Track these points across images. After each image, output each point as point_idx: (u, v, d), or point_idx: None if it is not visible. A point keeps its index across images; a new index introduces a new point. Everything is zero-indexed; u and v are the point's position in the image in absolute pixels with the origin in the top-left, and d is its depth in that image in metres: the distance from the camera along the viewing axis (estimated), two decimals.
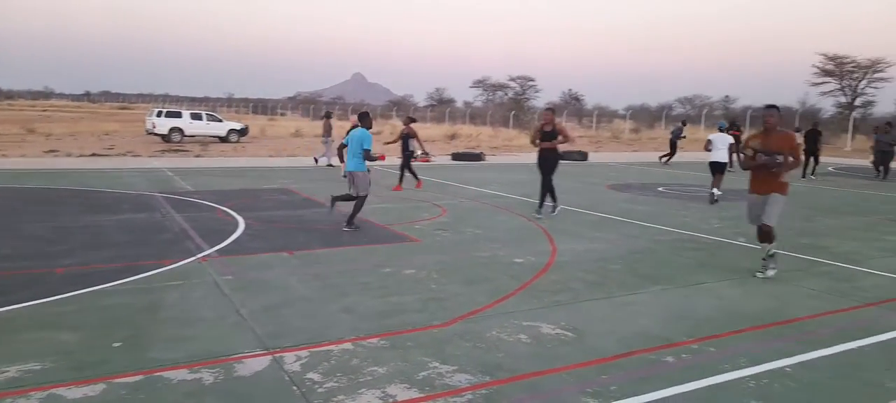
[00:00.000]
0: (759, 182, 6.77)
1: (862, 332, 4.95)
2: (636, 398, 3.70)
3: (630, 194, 13.72)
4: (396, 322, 4.93)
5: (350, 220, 8.62)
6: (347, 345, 4.40)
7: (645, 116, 59.44)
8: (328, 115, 19.58)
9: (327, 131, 18.68)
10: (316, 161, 19.00)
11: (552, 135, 10.10)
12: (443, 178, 15.35)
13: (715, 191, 12.73)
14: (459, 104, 74.21)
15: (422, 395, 3.68)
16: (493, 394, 3.71)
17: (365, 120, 8.87)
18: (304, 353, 4.23)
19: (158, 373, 3.85)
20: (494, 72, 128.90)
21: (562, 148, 10.44)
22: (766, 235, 6.69)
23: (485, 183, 15.12)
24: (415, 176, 13.72)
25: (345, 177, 9.47)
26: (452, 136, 36.70)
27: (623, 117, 57.80)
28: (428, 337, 4.62)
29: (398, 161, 14.04)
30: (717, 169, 12.93)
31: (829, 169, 23.45)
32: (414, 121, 14.74)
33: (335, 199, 9.04)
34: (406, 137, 13.79)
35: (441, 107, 68.69)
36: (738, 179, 17.63)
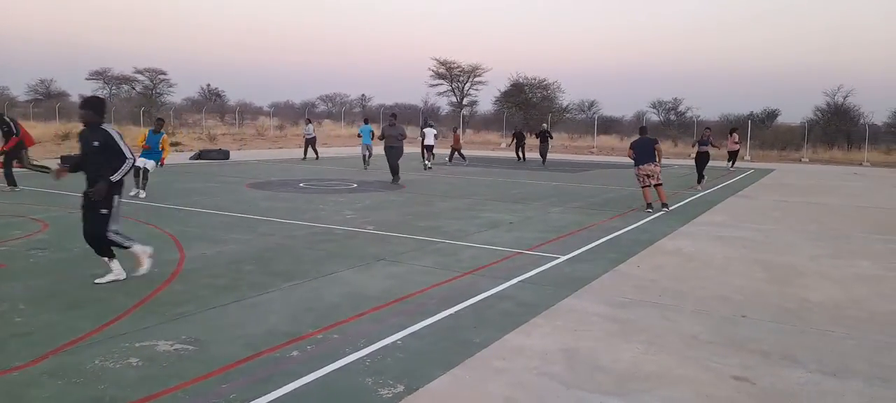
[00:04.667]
0: None
1: (459, 298, 5.76)
2: (257, 400, 3.60)
3: (270, 192, 13.64)
4: None
5: None
6: None
7: (290, 113, 60.25)
8: None
9: None
10: None
11: None
12: (45, 187, 12.95)
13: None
14: (75, 98, 63.90)
15: None
16: None
17: None
18: None
19: None
20: (117, 62, 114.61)
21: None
22: None
23: None
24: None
25: None
26: (65, 136, 31.43)
27: (268, 114, 57.54)
28: (3, 384, 3.75)
29: None
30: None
31: (444, 160, 27.21)
32: None
33: None
34: None
35: (49, 101, 58.16)
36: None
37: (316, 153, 25.09)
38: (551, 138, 26.27)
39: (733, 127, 27.25)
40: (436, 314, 5.29)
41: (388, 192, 14.21)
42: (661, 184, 12.24)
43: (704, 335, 4.97)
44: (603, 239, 8.90)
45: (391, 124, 16.53)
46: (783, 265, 7.54)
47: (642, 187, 12.29)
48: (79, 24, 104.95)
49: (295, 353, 4.34)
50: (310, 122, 26.61)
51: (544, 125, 28.11)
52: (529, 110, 48.76)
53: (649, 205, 12.05)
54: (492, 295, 5.94)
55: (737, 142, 24.29)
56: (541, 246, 8.30)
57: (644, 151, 12.22)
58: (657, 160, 12.24)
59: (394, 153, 16.14)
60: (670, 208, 12.15)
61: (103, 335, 4.60)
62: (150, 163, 12.37)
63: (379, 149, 17.73)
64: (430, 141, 22.08)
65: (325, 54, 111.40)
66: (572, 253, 7.86)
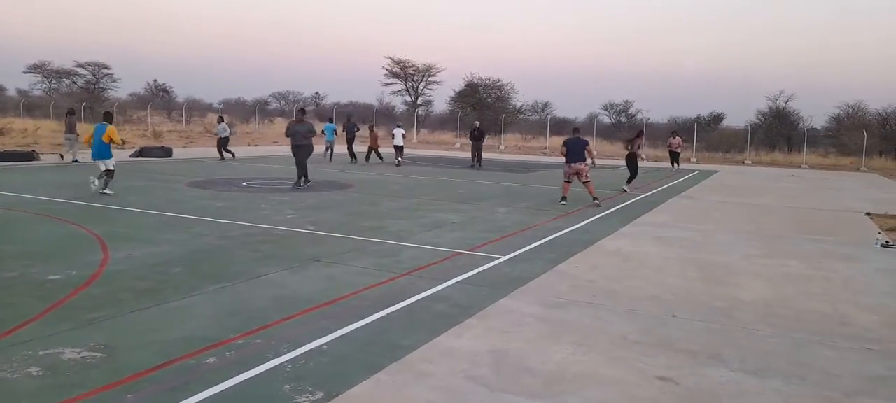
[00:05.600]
0: None
1: (393, 300, 5.64)
2: None
3: (212, 190, 13.24)
4: None
5: None
6: None
7: (241, 111, 58.92)
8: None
9: None
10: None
11: None
12: None
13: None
14: (11, 92, 61.13)
15: None
16: None
17: None
18: None
19: None
20: (57, 55, 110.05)
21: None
22: None
23: (29, 187, 12.65)
24: None
25: None
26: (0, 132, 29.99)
27: (217, 111, 56.08)
28: None
29: None
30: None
31: (398, 160, 27.01)
32: None
33: None
34: None
35: None
36: (321, 171, 18.80)
37: (231, 153, 22.67)
38: (484, 138, 24.31)
39: (674, 129, 27.89)
40: (367, 316, 5.16)
41: (334, 192, 13.97)
42: (589, 181, 13.04)
43: (634, 335, 4.99)
44: (545, 239, 8.92)
45: (298, 120, 14.72)
46: (718, 264, 7.68)
47: (564, 182, 13.12)
48: (18, 15, 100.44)
49: (212, 360, 4.15)
50: (222, 120, 24.24)
51: (476, 123, 25.53)
52: (484, 111, 48.92)
53: (564, 199, 12.84)
54: (427, 296, 5.85)
55: (679, 145, 24.90)
56: (482, 247, 8.26)
57: (575, 151, 12.92)
58: (586, 160, 12.96)
59: (301, 151, 14.43)
60: (601, 204, 12.82)
61: (5, 342, 4.31)
62: (109, 162, 12.17)
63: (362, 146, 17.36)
64: (399, 141, 23.08)
65: (278, 51, 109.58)
66: (513, 254, 7.84)
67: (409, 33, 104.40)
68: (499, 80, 52.57)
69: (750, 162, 33.57)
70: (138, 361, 4.07)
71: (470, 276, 6.63)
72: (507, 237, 9.04)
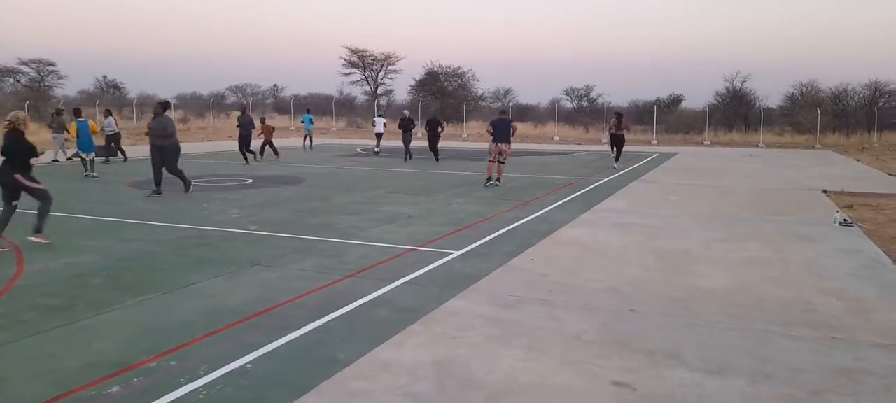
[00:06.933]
0: None
1: (332, 307, 5.19)
2: None
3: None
4: None
5: None
6: None
7: (196, 105, 57.22)
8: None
9: None
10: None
11: None
12: None
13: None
14: None
15: None
16: None
17: None
18: None
19: None
20: None
21: None
22: None
23: None
24: None
25: None
26: None
27: (172, 106, 54.34)
28: None
29: None
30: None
31: (357, 150, 26.45)
32: None
33: None
34: None
35: None
36: (269, 167, 18.13)
37: (123, 153, 19.60)
38: (414, 126, 22.69)
39: (618, 111, 25.56)
40: (301, 327, 4.71)
41: (284, 187, 13.39)
42: (503, 163, 13.80)
43: (589, 334, 4.66)
44: (502, 231, 8.57)
45: (155, 116, 12.12)
46: (676, 251, 7.43)
47: (489, 162, 13.78)
48: None
49: (115, 389, 3.65)
50: (110, 114, 20.80)
51: (405, 112, 23.56)
52: (445, 99, 48.43)
53: (489, 179, 13.65)
54: (370, 300, 5.42)
55: (621, 126, 20.07)
56: (435, 241, 7.86)
57: (501, 130, 13.66)
58: (511, 141, 13.86)
59: (162, 153, 11.79)
60: (499, 185, 13.49)
61: None
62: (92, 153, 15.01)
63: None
64: (379, 129, 24.43)
65: (234, 43, 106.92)
66: (467, 248, 7.46)
67: (367, 23, 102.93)
68: (460, 68, 52.09)
69: (709, 143, 33.92)
70: (28, 395, 3.56)
71: (418, 276, 6.22)
72: (463, 230, 8.66)
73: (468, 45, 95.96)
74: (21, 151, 7.35)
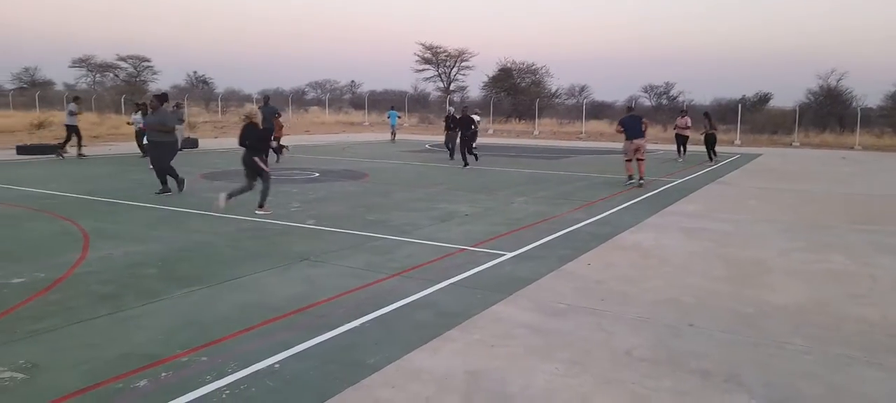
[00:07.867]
0: None
1: (372, 307, 5.06)
2: None
3: (223, 182, 12.89)
4: None
5: None
6: None
7: (278, 100, 59.23)
8: None
9: None
10: None
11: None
12: None
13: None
14: (59, 86, 62.82)
15: None
16: None
17: None
18: None
19: None
20: (101, 50, 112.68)
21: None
22: None
23: (38, 181, 12.53)
24: None
25: None
26: (39, 125, 30.58)
27: (255, 101, 56.49)
28: None
29: None
30: None
31: (426, 146, 26.50)
32: None
33: None
34: None
35: (33, 90, 57.11)
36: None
37: (79, 148, 18.19)
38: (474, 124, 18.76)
39: (683, 109, 24.20)
40: (336, 327, 4.59)
41: (348, 182, 13.49)
42: (643, 159, 13.31)
43: (641, 349, 4.30)
44: (560, 232, 8.22)
45: (153, 109, 11.19)
46: (748, 260, 6.87)
47: (626, 161, 13.49)
48: (62, 10, 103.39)
49: (142, 383, 3.65)
50: (77, 99, 18.99)
51: (450, 109, 21.20)
52: (518, 95, 47.88)
53: (631, 178, 13.38)
54: (412, 301, 5.25)
55: (687, 126, 20.76)
56: (489, 241, 7.62)
57: (632, 127, 13.24)
58: (644, 135, 13.38)
59: (158, 150, 11.03)
60: (644, 185, 13.07)
61: None
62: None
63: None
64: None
65: (316, 40, 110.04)
66: (521, 250, 7.18)
67: (442, 18, 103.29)
68: (533, 64, 51.37)
69: (798, 143, 31.84)
70: (60, 384, 3.60)
71: (466, 277, 6.01)
72: (519, 230, 8.37)
73: (542, 41, 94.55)
74: (259, 138, 9.01)
